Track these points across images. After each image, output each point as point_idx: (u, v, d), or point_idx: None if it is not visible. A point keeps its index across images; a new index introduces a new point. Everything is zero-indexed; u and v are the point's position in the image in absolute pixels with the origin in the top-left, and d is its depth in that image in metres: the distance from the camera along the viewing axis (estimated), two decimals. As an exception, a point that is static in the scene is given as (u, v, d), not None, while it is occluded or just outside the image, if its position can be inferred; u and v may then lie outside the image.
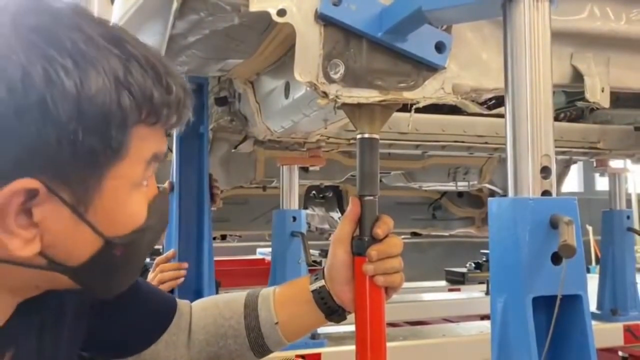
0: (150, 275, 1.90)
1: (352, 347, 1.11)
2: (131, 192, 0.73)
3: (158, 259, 1.95)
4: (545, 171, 0.90)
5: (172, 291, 1.87)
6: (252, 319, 1.10)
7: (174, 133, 1.99)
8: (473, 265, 4.90)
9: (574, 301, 0.89)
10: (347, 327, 2.53)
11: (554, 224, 0.87)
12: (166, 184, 2.01)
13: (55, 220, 0.68)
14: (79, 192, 0.68)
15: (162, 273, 1.87)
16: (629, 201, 3.42)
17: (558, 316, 0.85)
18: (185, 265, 1.90)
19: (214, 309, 1.13)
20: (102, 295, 0.79)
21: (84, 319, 0.90)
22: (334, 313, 1.10)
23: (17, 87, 0.62)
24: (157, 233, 0.80)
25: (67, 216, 0.68)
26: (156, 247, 4.31)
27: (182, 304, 1.13)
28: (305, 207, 3.85)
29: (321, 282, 1.10)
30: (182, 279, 1.88)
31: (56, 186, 0.66)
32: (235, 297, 1.14)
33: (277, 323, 1.09)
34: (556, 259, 0.87)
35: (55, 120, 0.63)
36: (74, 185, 0.67)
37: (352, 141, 2.46)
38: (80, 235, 0.70)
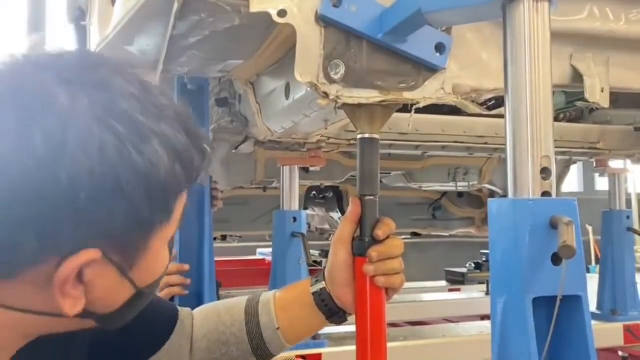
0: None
1: (353, 348, 1.11)
2: (165, 246, 0.78)
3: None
4: (545, 172, 0.91)
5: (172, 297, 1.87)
6: (254, 326, 1.10)
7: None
8: (473, 265, 4.89)
9: (574, 302, 0.89)
10: (348, 328, 2.52)
11: (554, 225, 0.87)
12: None
13: (102, 279, 0.71)
14: (128, 254, 0.72)
15: (167, 276, 1.86)
16: (629, 201, 3.42)
17: (558, 317, 0.85)
18: (187, 267, 1.90)
19: (215, 317, 1.13)
20: (112, 328, 0.80)
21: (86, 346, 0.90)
22: (335, 315, 1.10)
23: (95, 170, 0.65)
24: (163, 277, 0.83)
25: (113, 275, 0.72)
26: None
27: (184, 312, 1.13)
28: (306, 208, 3.85)
29: (322, 284, 1.10)
30: (187, 289, 1.88)
31: (111, 252, 0.70)
32: (236, 304, 1.14)
33: (278, 328, 1.09)
34: (556, 259, 0.88)
35: (126, 198, 0.67)
36: (126, 249, 0.71)
37: (352, 142, 2.46)
38: (119, 289, 0.74)
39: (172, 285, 1.86)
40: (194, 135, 0.75)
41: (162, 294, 1.82)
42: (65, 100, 0.66)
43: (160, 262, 0.78)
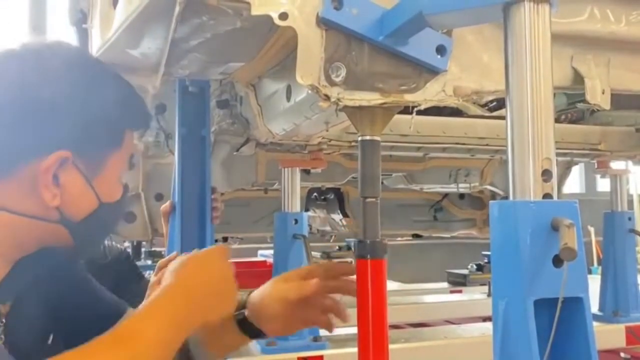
0: (152, 278, 1.89)
1: (355, 350, 1.11)
2: (117, 176, 1.04)
3: (161, 261, 1.94)
4: (546, 174, 0.91)
5: None
6: None
7: (176, 136, 2.00)
8: (475, 266, 4.87)
9: (575, 303, 0.90)
10: (350, 330, 2.53)
11: (555, 227, 0.87)
12: (167, 204, 2.02)
13: (72, 184, 0.96)
14: (91, 166, 0.98)
15: None
16: (630, 202, 3.41)
17: (559, 318, 0.85)
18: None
19: None
20: (85, 250, 1.03)
21: (55, 287, 1.06)
22: (258, 336, 1.21)
23: (71, 89, 0.96)
24: (121, 210, 1.08)
25: (80, 182, 0.97)
26: (158, 249, 4.24)
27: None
28: (307, 209, 3.85)
29: (242, 314, 1.20)
30: None
31: (78, 160, 0.96)
32: None
33: (199, 341, 1.18)
34: (557, 261, 0.88)
35: (89, 114, 0.96)
36: (89, 161, 0.98)
37: (353, 143, 2.46)
38: (85, 197, 0.98)
39: None
40: (140, 100, 1.08)
41: None
42: (48, 53, 0.99)
43: (115, 188, 1.04)
